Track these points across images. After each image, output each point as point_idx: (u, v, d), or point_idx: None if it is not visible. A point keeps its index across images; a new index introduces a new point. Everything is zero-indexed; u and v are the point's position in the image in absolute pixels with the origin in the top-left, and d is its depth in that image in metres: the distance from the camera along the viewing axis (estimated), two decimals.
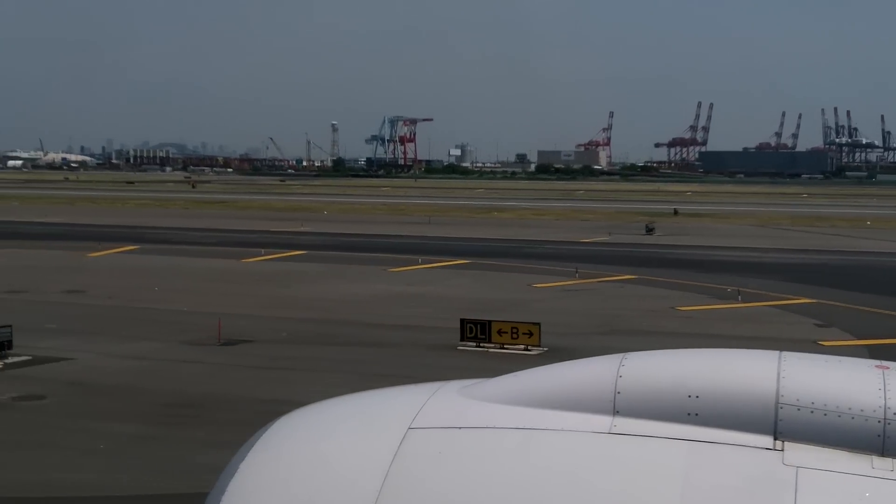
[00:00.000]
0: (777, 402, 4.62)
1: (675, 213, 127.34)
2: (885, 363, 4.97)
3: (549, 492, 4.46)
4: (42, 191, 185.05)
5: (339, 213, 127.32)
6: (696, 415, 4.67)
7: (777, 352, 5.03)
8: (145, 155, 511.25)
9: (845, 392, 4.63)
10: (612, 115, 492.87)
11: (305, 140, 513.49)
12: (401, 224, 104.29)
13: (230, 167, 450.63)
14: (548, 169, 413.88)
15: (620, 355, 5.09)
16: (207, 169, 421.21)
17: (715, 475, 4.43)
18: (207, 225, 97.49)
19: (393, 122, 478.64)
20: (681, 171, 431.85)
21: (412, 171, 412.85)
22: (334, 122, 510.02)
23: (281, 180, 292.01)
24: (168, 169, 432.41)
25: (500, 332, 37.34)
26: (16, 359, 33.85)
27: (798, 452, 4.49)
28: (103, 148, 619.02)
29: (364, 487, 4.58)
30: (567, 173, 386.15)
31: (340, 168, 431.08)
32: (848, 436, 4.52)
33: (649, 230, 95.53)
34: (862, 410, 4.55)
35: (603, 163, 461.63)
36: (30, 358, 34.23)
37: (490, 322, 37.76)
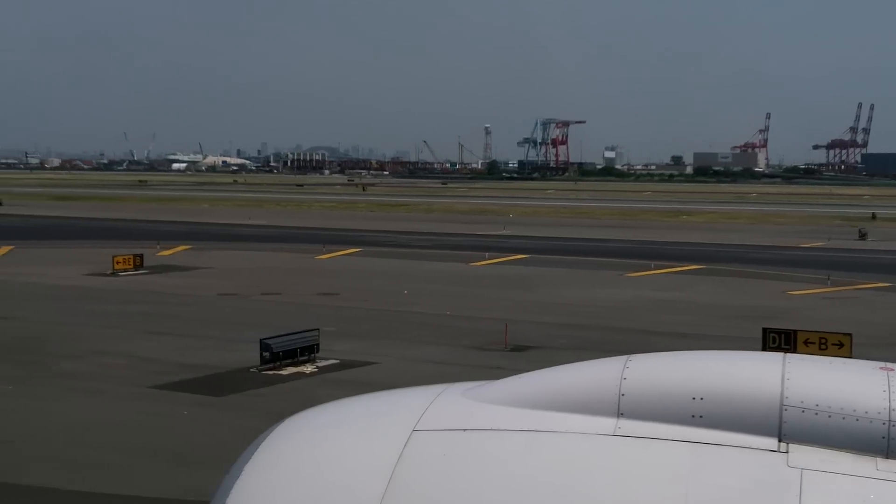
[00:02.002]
0: (781, 404, 4.63)
1: (874, 217, 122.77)
2: (889, 365, 4.96)
3: (553, 494, 4.47)
4: (219, 193, 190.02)
5: (522, 215, 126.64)
6: (701, 417, 4.69)
7: (781, 354, 5.06)
8: (301, 158, 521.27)
9: (850, 394, 4.64)
10: (768, 116, 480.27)
11: (457, 143, 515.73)
12: (597, 228, 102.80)
13: (385, 170, 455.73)
14: (706, 171, 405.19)
15: (624, 357, 5.10)
16: (364, 172, 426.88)
17: (719, 477, 4.43)
18: (408, 228, 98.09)
19: (545, 125, 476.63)
20: (843, 173, 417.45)
21: (568, 174, 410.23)
22: (487, 126, 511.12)
23: (443, 183, 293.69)
24: (326, 172, 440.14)
25: (806, 343, 35.80)
26: (324, 362, 33.97)
27: (802, 454, 4.50)
28: (259, 151, 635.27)
29: (368, 490, 4.60)
30: (727, 175, 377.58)
31: (494, 171, 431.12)
32: (852, 438, 4.52)
33: (862, 235, 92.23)
34: (866, 412, 4.55)
35: (761, 165, 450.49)
36: (337, 361, 34.31)
37: (795, 332, 36.26)
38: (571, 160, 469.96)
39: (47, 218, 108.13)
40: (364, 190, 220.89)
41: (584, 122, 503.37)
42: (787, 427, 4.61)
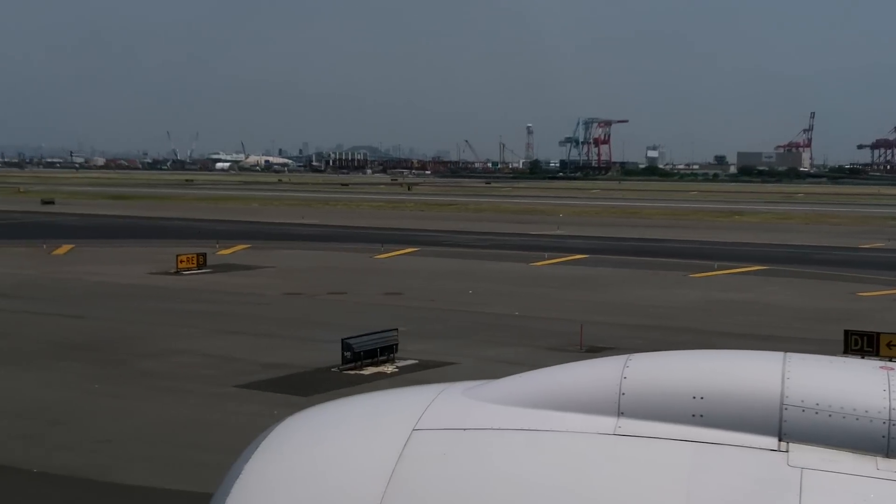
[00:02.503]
0: (782, 404, 4.62)
1: None
2: (889, 364, 4.94)
3: (553, 493, 4.45)
4: (266, 192, 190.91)
5: (572, 215, 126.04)
6: (701, 416, 4.67)
7: (782, 353, 5.00)
8: (343, 158, 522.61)
9: (850, 393, 4.62)
10: (812, 115, 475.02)
11: (498, 143, 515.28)
12: (650, 228, 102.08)
13: (427, 169, 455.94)
14: (750, 171, 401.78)
15: (625, 357, 5.06)
16: (406, 171, 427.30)
17: (720, 476, 4.42)
18: (461, 227, 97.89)
19: (587, 124, 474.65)
20: (889, 173, 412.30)
21: (610, 174, 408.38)
22: (529, 125, 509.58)
23: (486, 182, 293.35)
24: (368, 171, 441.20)
25: (889, 345, 35.22)
26: (403, 362, 33.85)
27: (803, 453, 4.49)
28: (300, 151, 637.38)
29: (368, 489, 4.58)
30: (771, 175, 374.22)
31: (536, 170, 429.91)
32: (852, 437, 4.51)
33: None
34: (867, 412, 4.54)
35: (806, 165, 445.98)
36: (416, 362, 34.16)
37: (878, 334, 35.67)
38: (613, 160, 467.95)
39: (101, 217, 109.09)
40: (409, 189, 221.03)
41: (626, 121, 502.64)
42: (787, 426, 4.60)
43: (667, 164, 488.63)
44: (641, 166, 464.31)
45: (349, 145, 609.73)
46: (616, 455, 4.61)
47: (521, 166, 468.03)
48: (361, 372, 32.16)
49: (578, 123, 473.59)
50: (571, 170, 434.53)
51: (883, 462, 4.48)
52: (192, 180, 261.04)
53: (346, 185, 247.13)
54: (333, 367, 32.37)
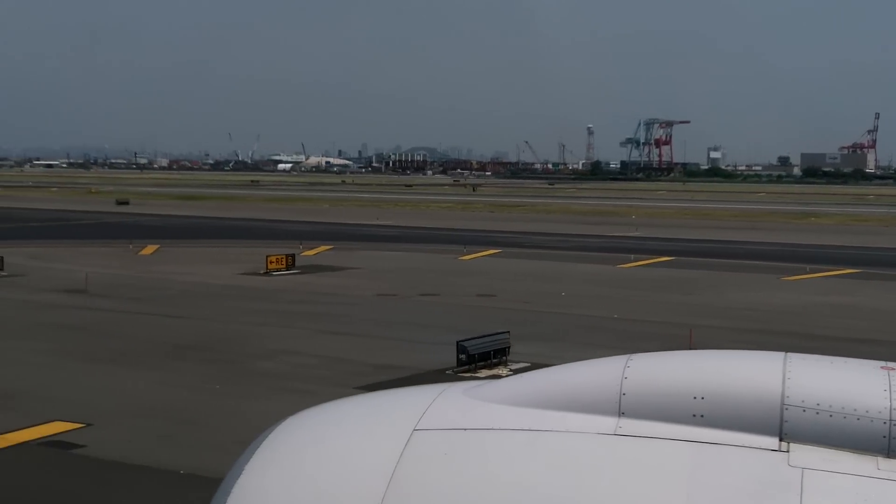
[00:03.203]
0: (782, 404, 4.61)
1: None
2: (890, 364, 4.92)
3: (554, 493, 4.45)
4: (332, 193, 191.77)
5: (644, 217, 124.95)
6: (702, 416, 4.67)
7: (782, 353, 4.99)
8: (403, 159, 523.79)
9: (851, 393, 4.61)
10: (877, 116, 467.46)
11: (556, 143, 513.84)
12: (726, 230, 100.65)
13: (487, 170, 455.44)
14: (814, 172, 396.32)
15: (626, 357, 5.07)
16: (466, 172, 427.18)
17: (720, 476, 4.42)
18: (536, 229, 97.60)
19: (648, 125, 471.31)
20: None
21: (673, 175, 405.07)
22: (590, 126, 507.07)
23: (549, 184, 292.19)
24: (429, 172, 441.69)
25: None
26: (516, 365, 33.57)
27: (803, 453, 4.49)
28: (359, 152, 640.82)
29: (369, 489, 4.57)
30: (837, 177, 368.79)
31: (598, 171, 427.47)
32: (853, 437, 4.50)
33: None
34: (867, 412, 4.54)
35: (871, 166, 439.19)
36: (529, 364, 33.81)
37: None
38: (674, 160, 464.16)
39: (178, 217, 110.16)
40: (474, 190, 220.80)
41: (688, 122, 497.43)
42: (788, 426, 4.60)
43: (728, 165, 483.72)
44: (703, 167, 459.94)
45: (407, 146, 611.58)
46: (617, 455, 4.62)
47: (580, 167, 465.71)
48: (476, 374, 31.91)
49: (640, 124, 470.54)
50: (633, 171, 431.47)
51: (884, 462, 4.47)
52: (257, 181, 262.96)
53: (410, 185, 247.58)
54: (447, 369, 32.18)
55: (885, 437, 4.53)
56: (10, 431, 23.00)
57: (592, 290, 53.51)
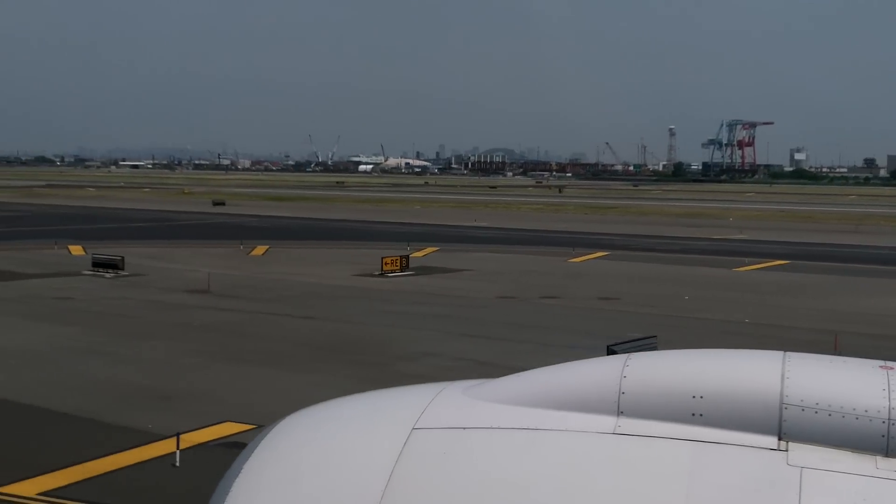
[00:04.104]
0: (781, 403, 4.61)
1: None
2: (889, 363, 4.92)
3: (553, 492, 4.43)
4: (419, 194, 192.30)
5: (741, 219, 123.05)
6: (701, 415, 4.67)
7: (781, 352, 4.98)
8: (482, 160, 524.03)
9: (849, 393, 4.61)
10: None
11: (636, 145, 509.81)
12: (832, 233, 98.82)
13: (567, 171, 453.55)
14: None
15: (625, 356, 5.07)
16: (546, 174, 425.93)
17: (719, 475, 4.41)
18: (637, 231, 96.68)
19: (731, 126, 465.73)
20: None
21: (757, 176, 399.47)
22: (672, 127, 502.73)
23: (633, 185, 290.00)
24: (509, 174, 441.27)
25: None
26: None
27: (802, 453, 4.48)
28: (437, 153, 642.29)
29: (368, 488, 4.54)
30: None
31: (680, 172, 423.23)
32: (852, 436, 4.49)
33: None
34: (866, 411, 4.53)
35: None
36: None
37: None
38: (758, 162, 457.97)
39: (277, 218, 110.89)
40: (560, 192, 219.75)
41: (772, 123, 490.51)
42: (787, 425, 4.59)
43: (811, 167, 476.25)
44: (787, 169, 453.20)
45: (485, 148, 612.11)
46: (616, 454, 4.61)
47: (661, 168, 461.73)
48: None
49: (722, 125, 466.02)
50: (716, 172, 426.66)
51: (882, 461, 4.46)
52: (342, 182, 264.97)
53: (494, 187, 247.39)
54: None
55: (883, 436, 4.51)
56: (183, 433, 22.95)
57: (714, 293, 52.53)
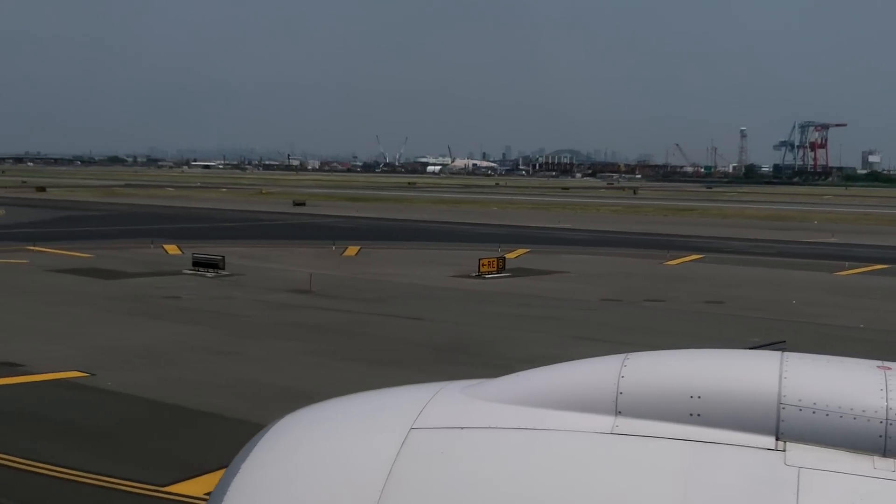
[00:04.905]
0: (779, 403, 4.59)
1: None
2: (887, 364, 4.91)
3: (551, 492, 4.43)
4: (492, 195, 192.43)
5: (825, 222, 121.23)
6: (699, 415, 4.66)
7: (779, 352, 5.01)
8: (548, 161, 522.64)
9: (847, 393, 4.60)
10: None
11: (710, 146, 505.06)
12: None
13: (636, 173, 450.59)
14: None
15: (623, 355, 5.10)
16: (615, 175, 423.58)
17: (717, 475, 4.41)
18: (726, 234, 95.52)
19: (803, 128, 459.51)
20: None
21: (830, 179, 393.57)
22: (743, 128, 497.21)
23: (707, 187, 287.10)
24: (578, 175, 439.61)
25: None
26: None
27: (800, 453, 4.49)
28: (503, 154, 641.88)
29: (366, 488, 4.54)
30: None
31: (752, 174, 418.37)
32: (850, 436, 4.49)
33: None
34: (864, 411, 4.52)
35: None
36: None
37: None
38: (831, 164, 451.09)
39: (361, 219, 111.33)
40: (635, 193, 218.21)
41: (844, 124, 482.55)
42: (784, 425, 4.58)
43: (885, 170, 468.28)
44: (860, 171, 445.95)
45: (551, 149, 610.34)
46: (613, 454, 4.61)
47: (731, 170, 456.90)
48: None
49: (794, 127, 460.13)
50: (788, 175, 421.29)
51: (880, 461, 4.45)
52: (414, 183, 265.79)
53: (567, 188, 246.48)
54: None
55: (881, 436, 4.49)
56: None
57: (821, 297, 51.63)
